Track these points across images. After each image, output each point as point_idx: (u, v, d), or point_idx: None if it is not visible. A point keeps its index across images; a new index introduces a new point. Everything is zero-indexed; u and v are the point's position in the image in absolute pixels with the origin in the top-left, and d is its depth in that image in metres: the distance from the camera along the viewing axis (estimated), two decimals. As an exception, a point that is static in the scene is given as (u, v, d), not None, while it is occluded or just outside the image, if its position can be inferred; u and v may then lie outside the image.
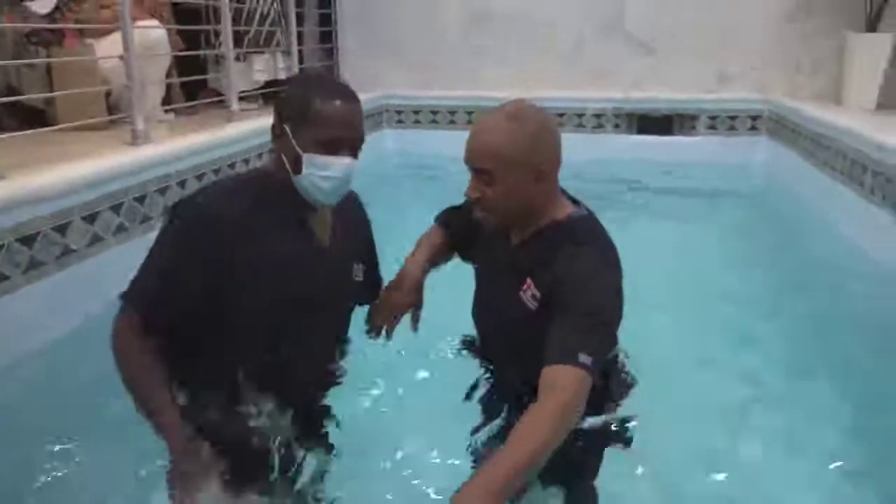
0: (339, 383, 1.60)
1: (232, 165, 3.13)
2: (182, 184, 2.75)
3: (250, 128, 3.33)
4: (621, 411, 1.53)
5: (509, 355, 1.32)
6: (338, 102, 1.37)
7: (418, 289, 1.59)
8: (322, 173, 1.37)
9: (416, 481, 1.54)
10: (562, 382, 1.22)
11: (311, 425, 1.52)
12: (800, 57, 4.79)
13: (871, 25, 4.26)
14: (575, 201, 1.49)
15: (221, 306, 1.37)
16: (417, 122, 5.05)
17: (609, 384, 1.50)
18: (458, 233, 1.65)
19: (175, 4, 4.25)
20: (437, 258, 1.66)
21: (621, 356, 1.62)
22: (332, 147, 1.37)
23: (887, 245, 2.79)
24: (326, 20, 5.09)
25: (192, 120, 3.66)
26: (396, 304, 1.58)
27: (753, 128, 4.83)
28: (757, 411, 1.88)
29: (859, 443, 1.73)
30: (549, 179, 1.40)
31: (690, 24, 4.86)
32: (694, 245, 3.27)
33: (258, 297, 1.37)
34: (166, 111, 3.70)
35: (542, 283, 1.36)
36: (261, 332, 1.41)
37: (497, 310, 1.51)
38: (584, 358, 1.23)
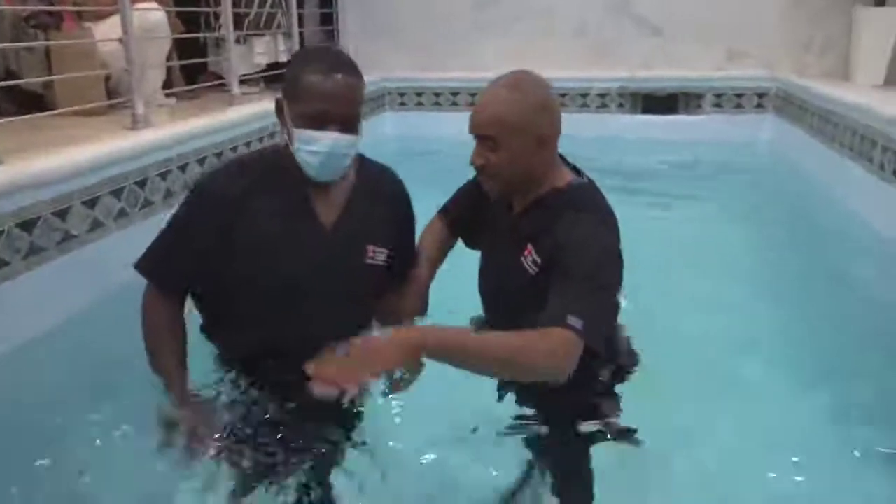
0: None
1: (234, 149, 3.10)
2: (184, 168, 2.73)
3: (252, 111, 3.30)
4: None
5: (511, 323, 1.31)
6: (325, 76, 1.34)
7: (423, 296, 1.61)
8: (309, 148, 1.37)
9: (425, 476, 1.52)
10: (548, 343, 1.23)
11: (324, 412, 1.44)
12: (808, 34, 4.73)
13: (880, 0, 4.19)
14: (576, 170, 1.51)
15: (223, 279, 1.43)
16: (420, 104, 5.01)
17: (615, 352, 1.52)
18: (459, 216, 1.68)
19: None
20: (440, 253, 1.69)
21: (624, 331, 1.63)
22: (318, 121, 1.36)
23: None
24: (327, 2, 5.04)
25: (193, 104, 3.62)
26: (401, 311, 1.57)
27: (760, 105, 4.78)
28: (762, 391, 1.86)
29: (872, 422, 1.71)
30: (549, 146, 1.43)
31: (697, 4, 4.79)
32: (700, 222, 3.24)
33: (250, 272, 1.41)
34: (167, 95, 3.67)
35: (543, 248, 1.38)
36: (258, 309, 1.44)
37: (499, 277, 1.53)
38: (573, 320, 1.23)
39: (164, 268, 1.46)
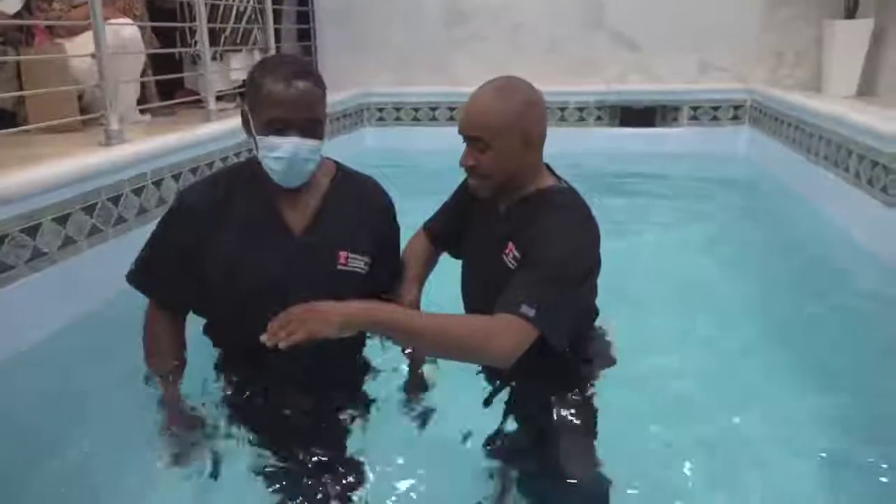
0: (353, 380, 1.62)
1: (211, 164, 3.06)
2: (158, 183, 2.68)
3: (227, 126, 3.26)
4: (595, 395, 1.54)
5: None
6: (283, 84, 1.38)
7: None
8: (272, 154, 1.41)
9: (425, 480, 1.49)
10: (496, 327, 1.28)
11: (321, 415, 1.52)
12: (780, 47, 4.80)
13: (850, 12, 4.26)
14: (558, 178, 1.55)
15: (203, 287, 1.50)
16: (399, 119, 5.00)
17: (582, 351, 1.54)
18: (443, 231, 1.72)
19: (150, 3, 4.18)
20: (425, 269, 1.73)
21: (602, 330, 1.67)
22: (278, 127, 1.40)
23: (874, 228, 2.79)
24: (304, 18, 5.02)
25: (169, 121, 3.58)
26: None
27: (736, 117, 4.83)
28: (748, 407, 1.80)
29: (853, 429, 1.70)
30: (535, 147, 1.47)
31: (671, 18, 4.85)
32: (680, 234, 3.24)
33: (223, 280, 1.47)
34: (142, 112, 3.62)
35: (521, 244, 1.42)
36: (234, 316, 1.50)
37: (482, 276, 1.56)
38: (526, 309, 1.28)
39: (148, 277, 1.56)
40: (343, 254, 1.51)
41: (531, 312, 1.29)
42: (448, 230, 1.70)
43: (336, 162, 1.62)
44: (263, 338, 1.22)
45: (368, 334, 1.63)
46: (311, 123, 1.41)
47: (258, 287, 1.46)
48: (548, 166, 1.55)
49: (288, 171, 1.43)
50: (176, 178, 2.79)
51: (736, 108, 4.83)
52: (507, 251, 1.45)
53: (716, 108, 4.85)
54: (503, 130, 1.42)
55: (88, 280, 2.24)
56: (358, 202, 1.56)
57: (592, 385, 1.57)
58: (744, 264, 2.87)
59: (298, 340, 1.20)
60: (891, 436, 1.67)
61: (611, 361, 1.64)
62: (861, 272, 2.70)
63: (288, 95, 1.37)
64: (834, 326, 2.24)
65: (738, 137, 4.78)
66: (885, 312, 2.32)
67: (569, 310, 1.38)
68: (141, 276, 1.56)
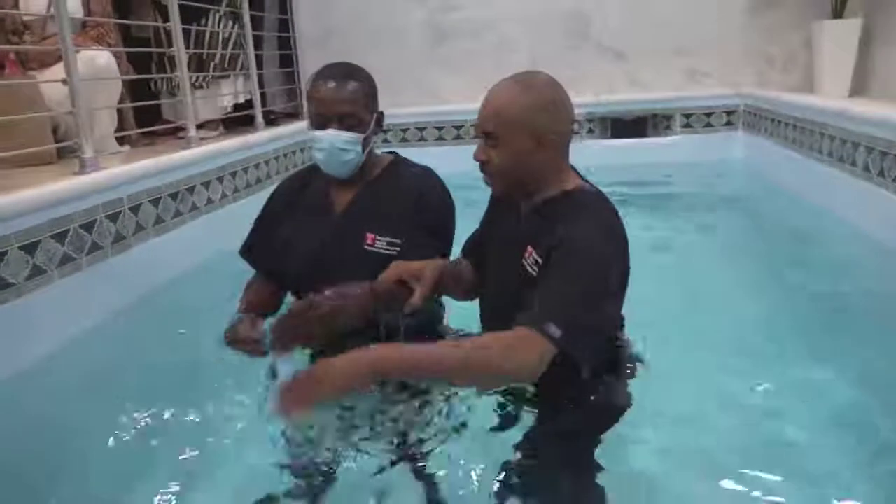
0: None
1: (191, 189, 2.92)
2: (136, 209, 2.54)
3: (208, 150, 3.14)
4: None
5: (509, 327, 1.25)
6: (322, 82, 1.61)
7: (425, 279, 1.51)
8: (315, 146, 1.63)
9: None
10: (520, 345, 1.21)
11: None
12: (769, 51, 4.75)
13: (838, 12, 4.21)
14: (585, 181, 1.49)
15: (280, 262, 1.72)
16: (386, 140, 4.89)
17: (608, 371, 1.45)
18: (474, 238, 1.67)
19: (125, 34, 4.08)
20: (443, 277, 1.59)
21: (627, 343, 1.55)
22: (319, 122, 1.61)
23: (887, 220, 2.67)
24: (286, 44, 4.94)
25: (148, 150, 3.44)
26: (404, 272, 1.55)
27: (729, 123, 4.76)
28: (761, 416, 1.64)
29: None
30: (551, 148, 1.39)
31: (656, 26, 4.80)
32: (685, 244, 3.10)
33: (281, 256, 1.69)
34: (120, 143, 3.49)
35: (542, 248, 1.34)
36: (294, 288, 1.74)
37: (500, 282, 1.49)
38: (553, 329, 1.21)
39: (249, 250, 1.81)
40: (370, 235, 1.65)
41: (557, 333, 1.21)
42: (478, 238, 1.65)
43: (395, 154, 1.81)
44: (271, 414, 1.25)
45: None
46: (345, 116, 1.59)
47: (302, 261, 1.66)
48: (574, 170, 1.48)
49: (329, 161, 1.63)
50: (155, 203, 2.65)
51: (728, 112, 4.76)
52: (526, 255, 1.38)
53: (709, 115, 4.78)
54: (513, 126, 1.36)
55: (56, 313, 2.08)
56: (396, 189, 1.69)
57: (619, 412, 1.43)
58: (756, 268, 2.74)
59: (305, 410, 1.21)
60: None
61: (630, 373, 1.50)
62: (877, 265, 2.57)
63: (326, 92, 1.60)
64: (860, 326, 2.09)
65: (734, 142, 4.70)
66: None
67: (599, 329, 1.32)
68: (245, 248, 1.81)
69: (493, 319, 1.49)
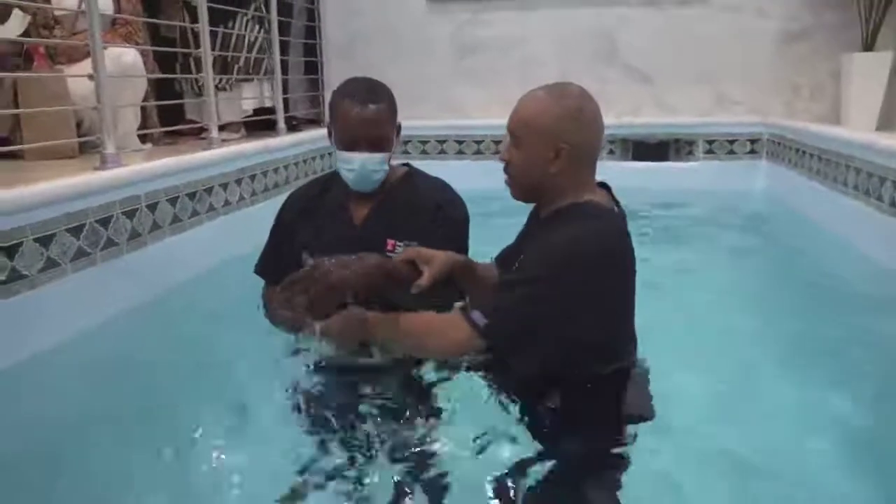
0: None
1: (209, 190, 2.92)
2: (153, 207, 2.54)
3: (228, 151, 3.14)
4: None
5: None
6: (353, 104, 1.63)
7: (434, 265, 1.53)
8: (346, 166, 1.68)
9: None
10: (447, 328, 1.37)
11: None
12: (796, 80, 4.70)
13: (868, 45, 4.16)
14: (616, 202, 1.50)
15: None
16: (406, 152, 4.88)
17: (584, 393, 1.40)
18: (501, 257, 1.72)
19: (154, 33, 4.12)
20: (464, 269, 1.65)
21: (640, 375, 1.49)
22: (350, 144, 1.66)
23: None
24: (312, 51, 4.97)
25: (170, 150, 3.46)
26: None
27: (753, 151, 4.70)
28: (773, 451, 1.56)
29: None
30: (569, 161, 1.40)
31: (684, 51, 4.77)
32: (703, 274, 3.04)
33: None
34: (143, 141, 3.51)
35: (526, 254, 1.43)
36: None
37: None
38: (478, 316, 1.32)
39: (265, 265, 1.85)
40: (391, 241, 1.70)
41: (482, 321, 1.31)
42: (508, 250, 1.71)
43: (408, 166, 1.86)
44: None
45: None
46: (377, 140, 1.66)
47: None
48: (606, 188, 1.50)
49: (358, 180, 1.69)
50: (172, 202, 2.65)
51: (752, 141, 4.70)
52: (519, 259, 1.46)
53: (732, 142, 4.72)
54: (534, 131, 1.40)
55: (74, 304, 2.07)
56: (416, 200, 1.74)
57: (613, 440, 1.36)
58: (771, 297, 2.69)
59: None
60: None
61: (643, 415, 1.42)
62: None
63: (356, 117, 1.63)
64: (879, 367, 2.01)
65: (756, 171, 4.64)
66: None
67: (532, 328, 1.31)
68: (261, 264, 1.86)
69: None
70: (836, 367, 1.99)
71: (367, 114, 1.64)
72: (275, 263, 1.80)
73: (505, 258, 1.69)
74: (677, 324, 2.19)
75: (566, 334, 1.32)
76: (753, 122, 4.68)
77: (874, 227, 2.97)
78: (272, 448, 1.46)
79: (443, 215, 1.75)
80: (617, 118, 4.75)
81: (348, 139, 1.65)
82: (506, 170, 1.48)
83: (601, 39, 4.88)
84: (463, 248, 1.77)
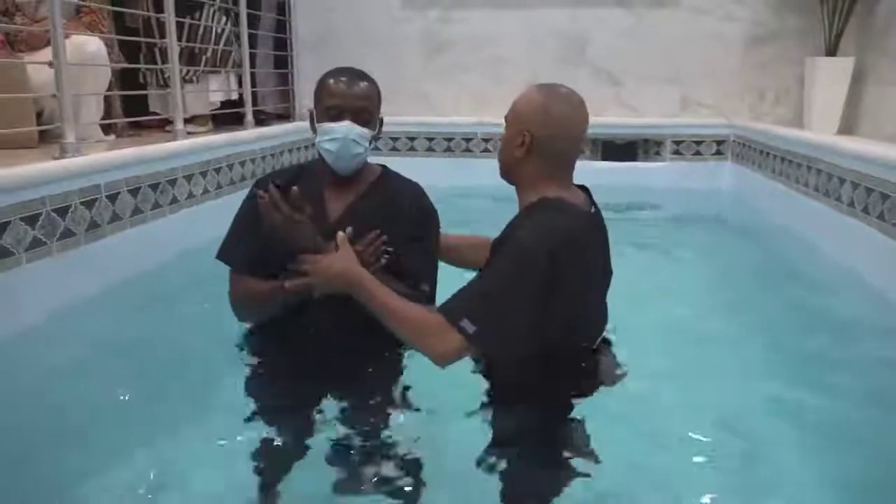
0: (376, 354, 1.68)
1: (173, 181, 2.87)
2: (113, 198, 2.48)
3: (192, 142, 3.10)
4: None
5: None
6: (340, 80, 1.65)
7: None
8: (326, 137, 1.64)
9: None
10: (437, 332, 1.38)
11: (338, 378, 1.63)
12: (761, 84, 4.78)
13: (831, 50, 4.25)
14: (595, 206, 1.58)
15: (264, 261, 1.65)
16: (377, 149, 4.85)
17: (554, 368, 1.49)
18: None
19: (118, 22, 4.05)
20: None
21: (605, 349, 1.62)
22: (333, 114, 1.63)
23: (871, 257, 2.67)
24: (282, 45, 4.92)
25: (134, 141, 3.40)
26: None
27: (719, 152, 4.78)
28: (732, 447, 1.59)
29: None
30: (533, 152, 1.47)
31: (652, 54, 4.82)
32: (668, 271, 3.08)
33: (268, 253, 1.61)
34: (106, 133, 3.44)
35: (496, 243, 1.50)
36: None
37: None
38: (467, 324, 1.34)
39: (229, 251, 1.76)
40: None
41: (471, 329, 1.33)
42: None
43: (384, 167, 1.82)
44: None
45: None
46: (362, 111, 1.64)
47: (291, 260, 1.58)
48: (585, 190, 1.58)
49: (340, 153, 1.63)
50: (133, 192, 2.60)
51: (718, 142, 4.77)
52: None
53: (698, 143, 4.79)
54: (513, 120, 1.51)
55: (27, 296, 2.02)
56: (391, 201, 1.71)
57: (570, 406, 1.50)
58: (733, 294, 2.72)
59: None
60: None
61: (596, 380, 1.56)
62: (855, 297, 2.59)
63: (342, 86, 1.64)
64: (828, 350, 2.09)
65: (722, 172, 4.71)
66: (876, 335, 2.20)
67: (517, 324, 1.37)
68: (225, 250, 1.76)
69: None
70: (790, 349, 2.12)
71: (354, 87, 1.65)
72: (240, 251, 1.76)
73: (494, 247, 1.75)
74: (642, 309, 2.25)
75: (541, 320, 1.40)
76: (720, 123, 4.76)
77: (832, 225, 3.04)
78: (228, 438, 1.46)
79: (415, 220, 1.73)
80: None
81: (335, 110, 1.63)
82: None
83: (571, 40, 4.91)
84: (431, 254, 1.76)
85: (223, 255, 1.76)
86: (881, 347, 2.15)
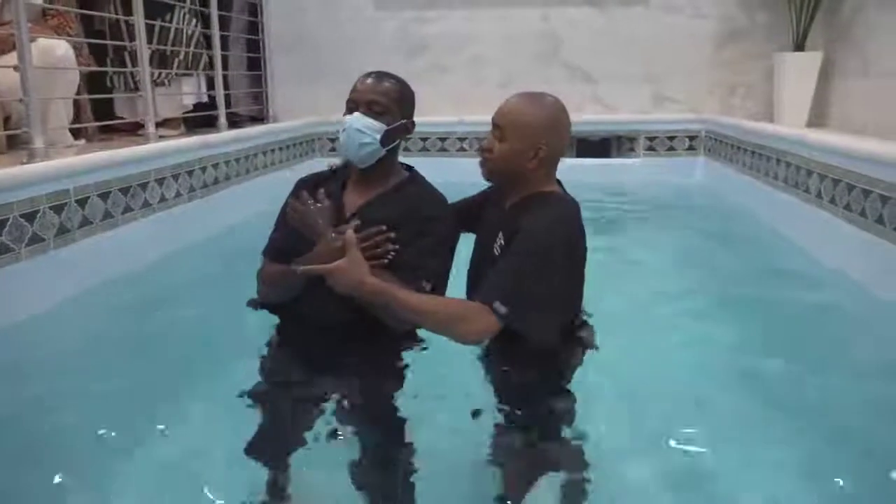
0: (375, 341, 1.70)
1: (144, 185, 2.85)
2: (83, 203, 2.46)
3: (165, 145, 3.07)
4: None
5: None
6: (365, 77, 1.72)
7: None
8: (341, 128, 1.70)
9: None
10: (472, 316, 1.49)
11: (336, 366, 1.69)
12: (731, 80, 4.85)
13: (799, 45, 4.32)
14: (565, 193, 1.70)
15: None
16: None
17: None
18: (462, 205, 1.88)
19: (88, 26, 4.00)
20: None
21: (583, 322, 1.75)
22: (349, 108, 1.71)
23: (836, 246, 2.73)
24: (255, 47, 4.89)
25: (104, 145, 3.36)
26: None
27: (691, 147, 4.84)
28: (717, 434, 1.61)
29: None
30: (545, 163, 1.61)
31: (625, 51, 4.87)
32: (644, 264, 3.11)
33: (294, 244, 1.68)
34: (76, 137, 3.40)
35: (507, 234, 1.58)
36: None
37: (476, 262, 1.75)
38: (499, 307, 1.47)
39: (269, 246, 1.83)
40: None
41: (503, 310, 1.47)
42: (466, 209, 1.86)
43: (412, 170, 1.85)
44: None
45: None
46: (373, 104, 1.68)
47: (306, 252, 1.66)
48: (559, 183, 1.70)
49: (346, 143, 1.68)
50: (104, 197, 2.57)
51: (691, 138, 4.84)
52: (497, 240, 1.61)
53: (671, 139, 4.85)
54: (522, 132, 1.59)
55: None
56: (407, 204, 1.72)
57: (572, 372, 1.65)
58: (706, 284, 2.75)
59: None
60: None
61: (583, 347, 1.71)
62: (821, 281, 2.65)
63: (360, 84, 1.71)
64: (795, 331, 2.20)
65: (695, 166, 4.78)
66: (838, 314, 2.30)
67: (544, 302, 1.52)
68: (266, 247, 1.82)
69: (470, 290, 1.73)
70: (756, 329, 2.24)
71: (370, 83, 1.70)
72: (272, 238, 1.84)
73: (461, 213, 1.84)
74: (619, 296, 2.37)
75: (562, 297, 1.60)
76: (692, 119, 4.82)
77: (800, 215, 3.09)
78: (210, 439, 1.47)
79: (431, 227, 1.72)
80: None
81: (350, 104, 1.70)
82: (483, 154, 1.65)
83: (545, 39, 4.94)
84: (442, 266, 1.76)
85: (265, 250, 1.85)
86: (844, 324, 2.29)
